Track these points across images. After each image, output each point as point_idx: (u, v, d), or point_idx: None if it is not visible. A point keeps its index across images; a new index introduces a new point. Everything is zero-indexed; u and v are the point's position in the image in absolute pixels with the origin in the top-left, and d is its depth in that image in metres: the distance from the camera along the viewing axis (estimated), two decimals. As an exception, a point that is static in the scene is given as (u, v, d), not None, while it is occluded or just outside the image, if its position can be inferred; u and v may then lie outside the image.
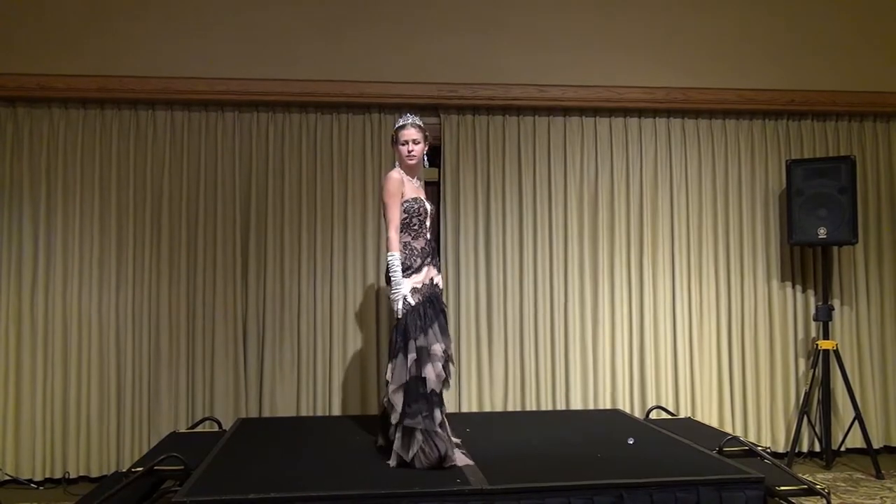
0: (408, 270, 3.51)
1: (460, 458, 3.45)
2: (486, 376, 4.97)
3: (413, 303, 3.46)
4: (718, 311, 5.15)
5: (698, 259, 5.17)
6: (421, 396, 3.36)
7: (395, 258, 3.47)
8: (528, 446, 3.77)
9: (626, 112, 5.15)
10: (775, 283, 5.20)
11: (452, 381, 4.78)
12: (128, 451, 4.66)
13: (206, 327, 4.79)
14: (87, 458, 4.65)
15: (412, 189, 3.63)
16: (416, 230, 3.57)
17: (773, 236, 5.22)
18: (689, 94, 5.07)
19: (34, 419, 4.63)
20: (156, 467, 3.47)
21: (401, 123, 3.67)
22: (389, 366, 3.51)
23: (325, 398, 4.84)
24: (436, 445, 3.34)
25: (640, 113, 5.17)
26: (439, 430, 3.36)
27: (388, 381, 3.50)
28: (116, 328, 4.73)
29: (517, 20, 5.05)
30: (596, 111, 5.13)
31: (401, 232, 3.55)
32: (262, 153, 4.91)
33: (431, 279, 3.61)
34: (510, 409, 4.94)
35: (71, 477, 4.62)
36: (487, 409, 4.93)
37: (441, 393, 3.49)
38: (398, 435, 3.40)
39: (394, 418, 3.41)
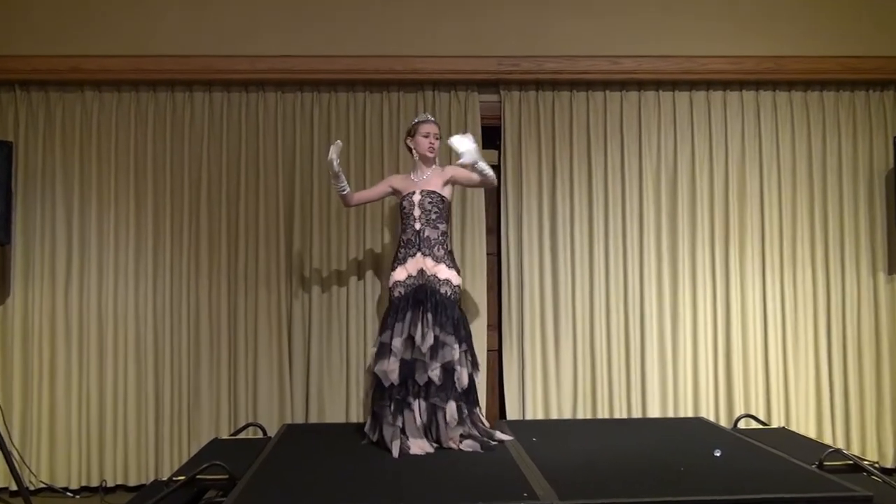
0: (394, 262, 4.21)
1: (416, 448, 3.83)
2: (553, 380, 4.95)
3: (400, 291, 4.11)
4: (816, 307, 5.04)
5: (792, 249, 5.06)
6: (380, 387, 3.97)
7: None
8: (602, 458, 3.73)
9: (708, 84, 5.07)
10: (882, 276, 5.07)
11: (515, 384, 4.93)
12: (167, 459, 4.76)
13: (249, 326, 4.87)
14: (124, 465, 4.77)
15: (409, 184, 4.25)
16: (403, 223, 4.22)
17: (878, 222, 5.09)
18: (781, 62, 4.96)
19: (69, 423, 4.76)
20: (198, 476, 3.51)
21: (422, 119, 4.28)
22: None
23: (377, 403, 4.88)
24: (382, 434, 3.90)
25: (726, 85, 5.08)
26: (390, 421, 3.89)
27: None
28: (154, 326, 4.84)
29: (586, -16, 5.02)
30: (675, 84, 5.06)
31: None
32: (307, 136, 4.96)
33: (421, 270, 4.10)
34: (580, 416, 4.92)
35: (108, 485, 4.74)
36: (554, 416, 4.91)
37: (422, 385, 3.92)
38: (369, 415, 4.09)
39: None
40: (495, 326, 5.06)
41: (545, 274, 4.99)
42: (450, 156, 4.49)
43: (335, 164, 4.07)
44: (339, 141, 4.15)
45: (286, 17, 4.91)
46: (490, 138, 5.09)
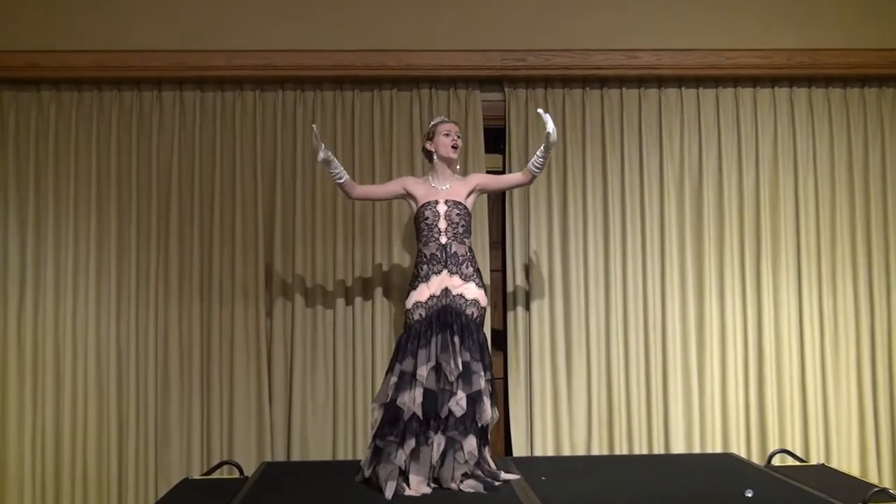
0: (414, 280, 4.05)
1: (412, 488, 3.67)
2: (565, 411, 4.81)
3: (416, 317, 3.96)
4: (859, 328, 4.91)
5: (831, 262, 4.94)
6: (396, 421, 3.77)
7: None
8: (620, 499, 3.63)
9: (736, 81, 4.99)
10: (932, 293, 4.96)
11: (522, 416, 4.82)
12: (132, 502, 4.64)
13: (224, 351, 4.76)
14: (84, 509, 4.67)
15: (430, 192, 4.13)
16: (425, 235, 4.08)
17: (928, 234, 5.00)
18: (816, 56, 4.88)
19: (22, 462, 4.63)
20: (166, 522, 3.44)
21: (440, 119, 4.25)
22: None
23: (366, 438, 4.64)
24: (376, 471, 3.74)
25: (755, 81, 5.00)
26: (392, 458, 3.72)
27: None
28: (118, 353, 4.73)
29: (599, -30, 4.97)
30: (698, 80, 4.98)
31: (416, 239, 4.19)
32: (289, 139, 4.87)
33: (446, 289, 3.96)
34: (595, 452, 4.79)
35: (66, 531, 4.64)
36: (567, 452, 4.78)
37: (443, 417, 3.77)
38: (368, 449, 3.90)
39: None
40: (500, 351, 4.92)
41: (555, 290, 4.88)
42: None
43: (321, 150, 3.97)
44: (314, 125, 4.05)
45: (266, 7, 4.83)
46: (493, 141, 5.01)
